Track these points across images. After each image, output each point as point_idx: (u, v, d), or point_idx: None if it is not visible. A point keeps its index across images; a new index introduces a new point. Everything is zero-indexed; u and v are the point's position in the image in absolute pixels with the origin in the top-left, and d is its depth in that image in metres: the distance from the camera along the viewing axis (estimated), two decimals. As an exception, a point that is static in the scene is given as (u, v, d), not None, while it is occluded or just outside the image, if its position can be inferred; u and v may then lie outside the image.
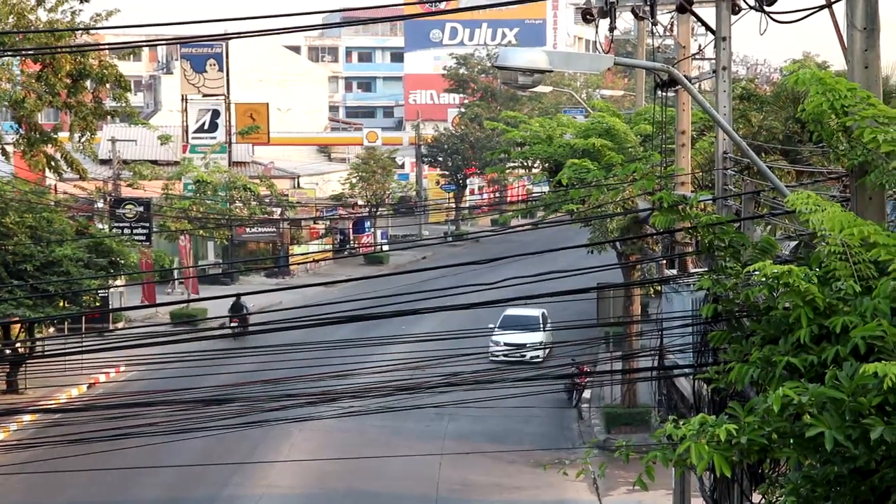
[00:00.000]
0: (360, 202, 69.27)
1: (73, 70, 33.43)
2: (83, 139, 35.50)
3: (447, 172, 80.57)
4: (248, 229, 58.86)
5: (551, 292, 13.70)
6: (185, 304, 46.11)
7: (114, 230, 45.99)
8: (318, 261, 60.74)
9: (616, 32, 22.72)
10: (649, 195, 22.21)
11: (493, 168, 48.39)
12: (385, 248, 67.83)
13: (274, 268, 59.79)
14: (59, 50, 32.38)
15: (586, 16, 17.84)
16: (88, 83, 34.62)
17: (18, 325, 36.05)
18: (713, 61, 15.61)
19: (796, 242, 13.03)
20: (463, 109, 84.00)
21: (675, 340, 15.80)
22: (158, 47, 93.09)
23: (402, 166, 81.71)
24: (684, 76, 14.29)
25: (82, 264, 35.49)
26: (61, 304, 37.47)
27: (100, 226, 46.67)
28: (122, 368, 36.02)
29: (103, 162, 52.26)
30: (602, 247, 33.23)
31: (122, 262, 38.30)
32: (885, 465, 8.15)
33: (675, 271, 19.61)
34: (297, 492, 27.82)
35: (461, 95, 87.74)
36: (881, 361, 7.84)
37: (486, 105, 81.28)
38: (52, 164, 36.07)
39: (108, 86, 34.92)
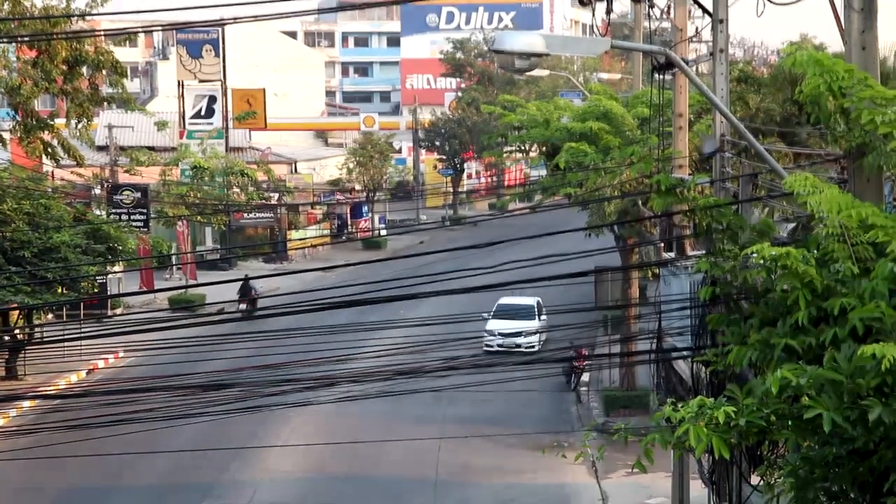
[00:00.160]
0: (357, 187, 69.24)
1: (70, 56, 33.38)
2: (80, 125, 35.47)
3: (444, 157, 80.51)
4: (245, 215, 58.79)
5: (549, 276, 13.69)
6: (183, 290, 46.11)
7: (111, 216, 45.99)
8: (315, 246, 60.73)
9: (613, 15, 22.72)
10: (647, 178, 22.23)
11: (490, 152, 48.29)
12: (383, 232, 67.82)
13: (272, 253, 59.78)
14: (55, 36, 32.33)
15: (583, -1, 17.82)
16: (85, 69, 34.59)
17: (17, 312, 36.06)
18: (710, 44, 15.61)
19: (794, 224, 13.22)
20: (460, 94, 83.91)
21: (673, 323, 15.75)
22: (154, 33, 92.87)
23: (400, 151, 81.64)
24: (681, 59, 14.29)
25: (80, 251, 35.47)
26: (60, 290, 37.46)
27: (97, 212, 46.69)
28: (121, 354, 36.02)
29: (100, 148, 52.22)
30: (600, 230, 33.22)
31: (120, 248, 38.28)
32: (884, 446, 8.18)
33: (673, 254, 19.60)
34: (296, 476, 27.88)
35: (458, 80, 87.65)
36: (879, 343, 7.86)
37: (483, 89, 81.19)
38: (49, 150, 36.03)
39: (104, 72, 34.88)
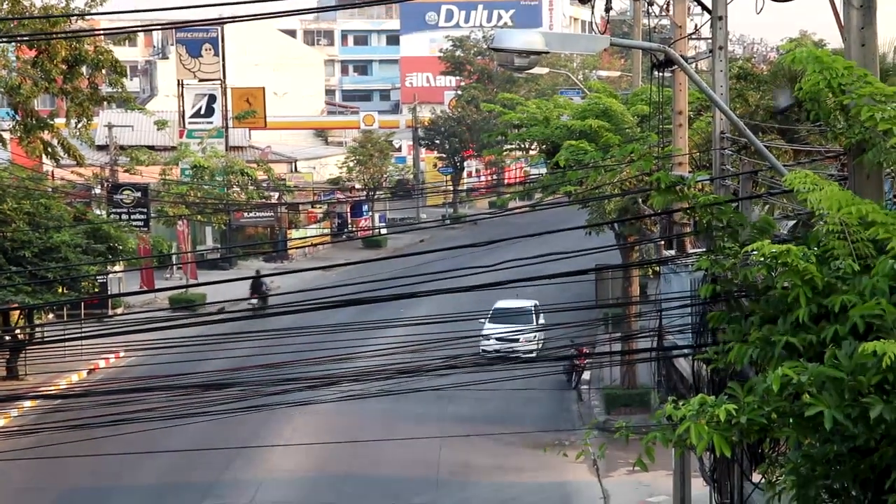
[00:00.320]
0: (357, 186, 69.23)
1: (69, 56, 33.39)
2: (80, 125, 35.49)
3: (444, 155, 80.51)
4: (245, 214, 58.79)
5: (550, 274, 13.68)
6: (183, 290, 46.11)
7: (112, 216, 45.99)
8: (316, 245, 60.75)
9: (612, 13, 22.74)
10: (647, 175, 22.21)
11: (490, 150, 48.38)
12: (383, 231, 67.81)
13: (272, 252, 59.77)
14: (54, 36, 32.31)
15: (582, -4, 17.81)
16: (84, 69, 34.61)
17: (18, 312, 36.07)
18: (710, 41, 15.58)
19: (794, 222, 13.11)
20: (459, 92, 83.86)
21: (674, 321, 15.78)
22: (154, 32, 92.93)
23: (399, 149, 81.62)
24: (681, 56, 14.28)
25: (80, 250, 35.47)
26: (60, 290, 37.47)
27: (97, 212, 46.68)
28: (122, 354, 36.05)
29: (100, 148, 52.25)
30: (600, 228, 33.21)
31: (121, 247, 38.28)
32: (885, 443, 8.15)
33: (673, 252, 19.60)
34: (298, 475, 27.87)
35: (457, 78, 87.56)
36: (880, 340, 7.84)
37: (483, 87, 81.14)
38: (49, 150, 36.06)
39: (103, 71, 34.90)
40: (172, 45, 71.88)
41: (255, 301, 45.81)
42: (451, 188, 78.95)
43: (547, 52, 11.27)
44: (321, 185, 70.07)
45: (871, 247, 8.85)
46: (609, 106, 30.34)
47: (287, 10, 21.36)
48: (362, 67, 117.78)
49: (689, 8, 20.83)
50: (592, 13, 21.57)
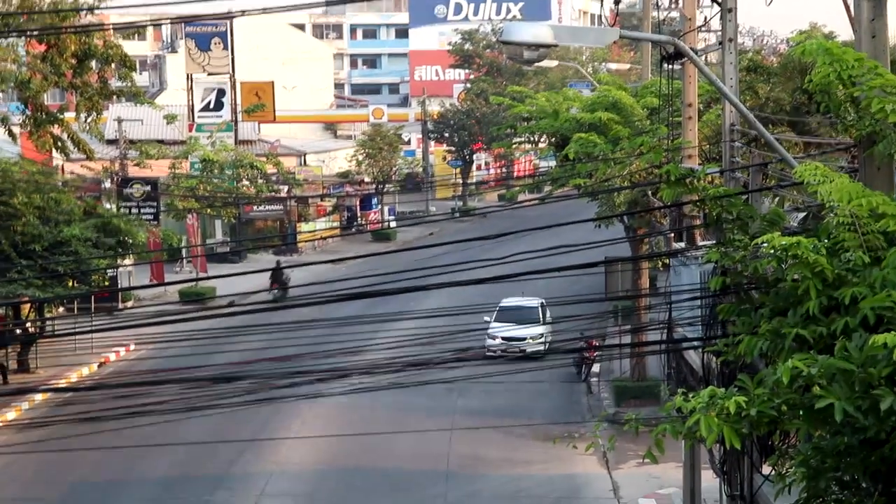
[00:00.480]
0: (366, 179, 69.23)
1: (79, 50, 33.42)
2: (89, 119, 35.53)
3: (453, 148, 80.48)
4: (255, 207, 58.83)
5: (559, 267, 13.68)
6: (193, 283, 46.18)
7: (121, 210, 46.01)
8: (325, 238, 60.76)
9: (621, 5, 22.68)
10: (657, 168, 22.19)
11: (499, 143, 48.23)
12: (392, 224, 67.81)
13: (282, 245, 59.79)
14: (63, 30, 32.35)
15: (591, -11, 17.79)
16: (94, 63, 34.65)
17: (28, 305, 36.14)
18: (719, 33, 15.54)
19: (804, 214, 13.08)
20: (468, 85, 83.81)
21: (683, 313, 15.74)
22: (163, 26, 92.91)
23: (409, 143, 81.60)
24: (690, 48, 14.24)
25: (91, 244, 35.49)
26: (70, 283, 37.50)
27: (107, 205, 46.69)
28: (132, 347, 36.19)
29: (110, 142, 52.19)
30: (610, 221, 33.15)
31: (131, 241, 38.28)
32: (895, 435, 8.15)
33: (683, 244, 19.58)
34: (307, 468, 27.90)
35: (466, 71, 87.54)
36: (890, 332, 7.81)
37: (492, 80, 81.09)
38: (59, 144, 36.11)
39: (113, 66, 34.95)
40: (181, 39, 71.94)
41: (275, 290, 46.39)
42: (460, 181, 78.92)
43: (556, 45, 11.25)
44: (330, 179, 70.08)
45: (882, 239, 8.83)
46: (618, 99, 30.28)
47: (296, 3, 21.38)
48: (371, 61, 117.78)
49: (698, 0, 20.78)
50: (602, 6, 21.57)
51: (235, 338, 21.11)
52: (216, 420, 24.96)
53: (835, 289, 8.63)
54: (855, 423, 7.99)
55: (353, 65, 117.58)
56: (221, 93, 61.63)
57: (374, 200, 69.14)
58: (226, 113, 61.20)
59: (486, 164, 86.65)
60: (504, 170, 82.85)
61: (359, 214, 68.88)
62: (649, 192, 27.68)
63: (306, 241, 60.06)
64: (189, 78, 62.36)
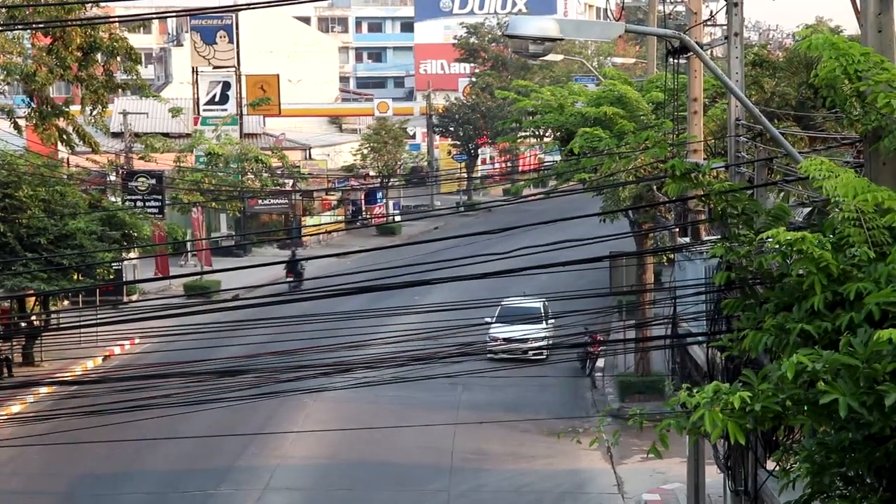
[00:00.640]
0: (371, 173, 69.22)
1: (84, 43, 33.41)
2: (95, 112, 35.52)
3: (458, 142, 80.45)
4: (260, 201, 58.86)
5: (564, 261, 13.67)
6: (198, 276, 46.22)
7: (126, 203, 46.06)
8: (330, 232, 60.79)
9: (627, 0, 22.60)
10: (662, 163, 22.17)
11: (504, 137, 48.30)
12: (397, 218, 67.81)
13: (286, 239, 59.86)
14: (69, 23, 32.34)
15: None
16: (99, 56, 34.63)
17: (33, 298, 36.18)
18: (725, 27, 15.52)
19: (810, 209, 13.03)
20: (474, 79, 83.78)
21: (688, 308, 15.77)
22: (168, 19, 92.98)
23: (414, 136, 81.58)
24: (696, 43, 14.23)
25: (96, 237, 35.53)
26: (75, 276, 37.54)
27: (112, 199, 46.76)
28: (137, 340, 36.21)
29: (115, 135, 52.12)
30: (614, 215, 33.11)
31: (136, 234, 38.34)
32: (900, 431, 8.13)
33: (688, 239, 19.56)
34: (311, 462, 27.92)
35: (472, 65, 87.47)
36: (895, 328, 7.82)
37: (497, 74, 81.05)
38: (65, 137, 36.09)
39: (118, 59, 34.92)
40: (187, 32, 72.01)
41: (290, 280, 47.17)
42: (465, 175, 78.89)
43: (561, 39, 11.24)
44: (335, 173, 70.07)
45: (887, 234, 8.82)
46: (624, 93, 30.27)
47: (301, -4, 21.37)
48: (376, 54, 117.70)
49: (704, -6, 20.73)
50: (607, 0, 21.52)
51: (240, 331, 21.15)
52: (221, 414, 24.97)
53: (840, 284, 8.62)
54: (859, 418, 7.99)
55: (359, 58, 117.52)
56: (227, 86, 61.68)
57: (379, 194, 69.15)
58: (231, 106, 61.28)
59: (491, 158, 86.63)
60: (509, 164, 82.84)
61: (364, 208, 68.93)
62: (654, 187, 27.68)
63: (311, 235, 60.06)
64: (194, 71, 62.40)
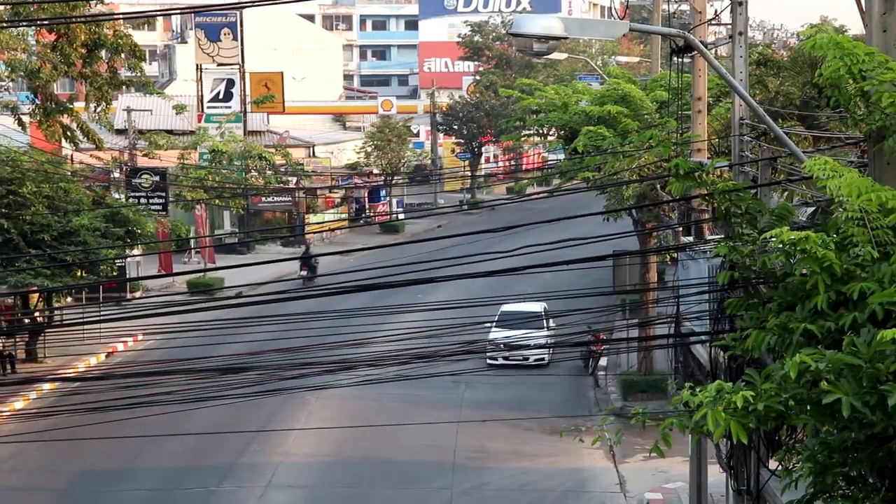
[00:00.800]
0: (375, 171, 69.20)
1: (88, 40, 33.41)
2: (99, 109, 35.52)
3: (462, 141, 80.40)
4: (263, 198, 58.84)
5: (567, 260, 13.65)
6: (201, 273, 46.22)
7: (130, 200, 46.06)
8: (333, 230, 60.79)
9: (632, -2, 22.56)
10: (665, 162, 22.16)
11: (508, 136, 48.26)
12: (401, 216, 67.81)
13: (290, 237, 59.85)
14: (73, 20, 32.34)
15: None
16: (103, 53, 34.62)
17: (37, 295, 36.18)
18: (729, 26, 15.51)
19: (813, 209, 13.01)
20: (478, 77, 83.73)
21: (691, 308, 15.71)
22: (173, 17, 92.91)
23: (418, 135, 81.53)
24: (700, 42, 14.19)
25: (99, 234, 35.52)
26: (79, 273, 37.55)
27: (116, 195, 46.73)
28: (140, 337, 36.18)
29: (119, 132, 52.15)
30: (618, 214, 33.05)
31: (139, 231, 38.32)
32: (903, 431, 8.11)
33: (691, 238, 19.55)
34: (314, 460, 27.92)
35: (476, 63, 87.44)
36: (899, 328, 7.80)
37: (501, 73, 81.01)
38: (69, 134, 36.12)
39: (122, 55, 34.93)
40: (191, 29, 71.95)
41: (304, 273, 47.72)
42: (468, 174, 78.86)
43: (566, 38, 11.22)
44: (339, 170, 70.07)
45: (891, 234, 8.79)
46: (628, 92, 30.20)
47: (306, -6, 21.34)
48: (381, 52, 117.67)
49: (708, -7, 20.69)
50: (612, -2, 21.50)
51: (243, 329, 21.14)
52: (223, 411, 24.92)
53: (843, 284, 8.58)
54: (862, 418, 7.96)
55: (363, 56, 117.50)
56: (231, 83, 61.61)
57: (383, 192, 69.13)
58: (235, 103, 61.20)
59: (495, 156, 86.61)
60: (513, 162, 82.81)
61: (367, 206, 68.90)
62: (658, 186, 27.64)
63: (314, 233, 60.04)
64: (198, 68, 62.33)
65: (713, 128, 23.39)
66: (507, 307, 34.70)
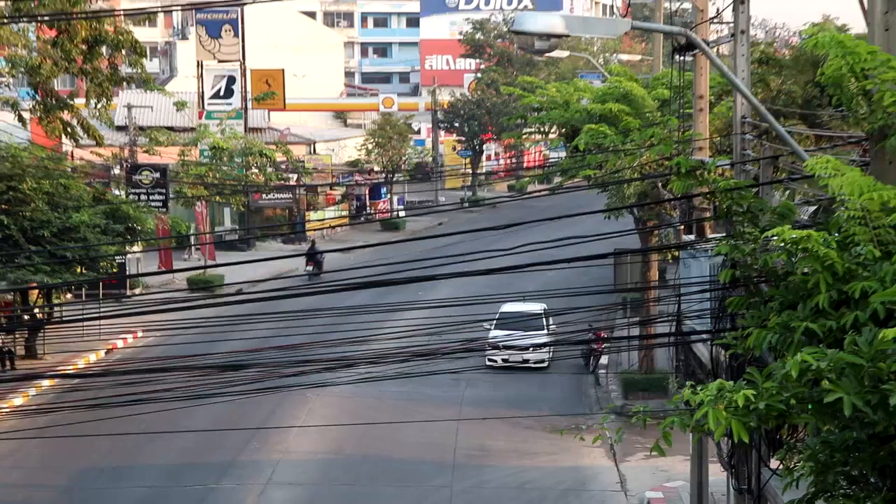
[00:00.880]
0: (376, 168, 69.16)
1: (89, 36, 33.33)
2: (99, 105, 35.44)
3: (463, 138, 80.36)
4: (264, 195, 58.78)
5: (568, 258, 13.62)
6: (202, 270, 46.18)
7: (130, 196, 46.03)
8: (334, 227, 60.76)
9: (633, -4, 22.51)
10: (667, 160, 22.14)
11: (509, 134, 48.14)
12: (401, 214, 67.76)
13: (290, 234, 59.80)
14: (74, 16, 32.30)
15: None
16: (104, 49, 34.54)
17: (36, 291, 36.15)
18: (731, 25, 15.48)
19: (815, 207, 13.14)
20: (479, 75, 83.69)
21: (692, 306, 15.75)
22: (174, 13, 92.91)
23: (419, 132, 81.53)
24: (702, 40, 14.17)
25: (99, 230, 35.47)
26: (79, 270, 37.52)
27: (116, 192, 46.71)
28: (140, 334, 36.18)
29: (119, 128, 52.12)
30: (619, 212, 32.99)
31: (139, 228, 38.30)
32: (904, 430, 8.08)
33: (692, 237, 19.53)
34: (314, 457, 27.88)
35: (477, 61, 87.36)
36: (901, 327, 7.77)
37: (503, 70, 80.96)
38: (69, 130, 36.04)
39: (123, 52, 34.83)
40: (192, 26, 71.85)
41: (310, 268, 48.26)
42: (469, 171, 78.82)
43: (567, 36, 11.20)
44: (340, 168, 70.02)
45: (893, 233, 8.76)
46: (629, 90, 30.14)
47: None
48: (382, 50, 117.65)
49: (710, -9, 20.65)
50: (613, -4, 21.46)
51: (243, 326, 21.12)
52: (223, 408, 24.98)
53: (845, 283, 8.55)
54: (864, 417, 7.94)
55: (364, 53, 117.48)
56: (231, 80, 61.51)
57: (384, 190, 69.08)
58: (236, 100, 61.10)
59: (496, 154, 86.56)
60: (514, 160, 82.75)
61: (368, 203, 68.86)
62: (659, 184, 27.59)
63: (315, 230, 60.01)
64: (199, 65, 62.24)
65: (715, 126, 23.36)
66: (506, 307, 34.51)
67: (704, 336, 15.05)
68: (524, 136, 42.15)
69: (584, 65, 68.15)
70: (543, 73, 72.97)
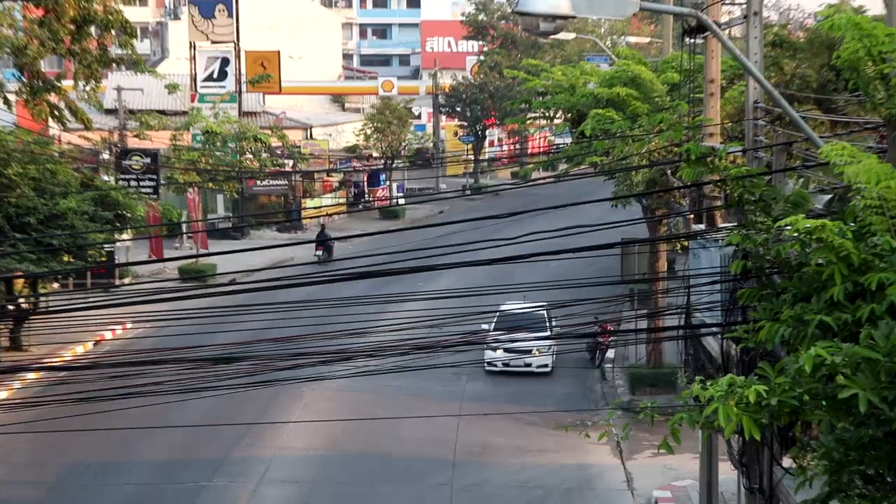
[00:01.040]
0: (374, 154, 68.88)
1: (77, 16, 32.92)
2: (88, 87, 35.10)
3: (465, 123, 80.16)
4: (258, 182, 58.55)
5: (574, 248, 13.48)
6: (193, 259, 45.87)
7: (120, 182, 45.73)
8: (331, 215, 60.37)
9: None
10: (677, 146, 21.79)
11: (513, 119, 47.87)
12: (401, 201, 67.57)
13: (286, 222, 59.63)
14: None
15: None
16: (93, 29, 34.15)
17: (22, 280, 35.82)
18: (744, 6, 15.52)
19: (830, 196, 12.99)
20: (482, 57, 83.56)
21: (702, 298, 15.68)
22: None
23: (419, 117, 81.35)
24: (714, 22, 14.11)
25: (87, 217, 35.25)
26: (66, 258, 37.25)
27: (105, 178, 46.38)
28: (129, 325, 35.86)
29: (109, 111, 51.72)
30: (627, 201, 32.72)
31: (129, 215, 38.11)
32: (922, 428, 8.02)
33: (703, 226, 19.41)
34: (309, 453, 27.64)
35: (480, 43, 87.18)
36: (919, 320, 7.75)
37: (507, 53, 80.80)
38: (56, 113, 35.68)
39: (113, 32, 34.40)
40: (184, 5, 71.58)
41: (319, 253, 48.79)
42: (471, 157, 78.65)
43: (574, 17, 11.54)
44: (337, 153, 69.75)
45: (911, 222, 8.68)
46: (638, 73, 29.84)
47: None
48: (381, 31, 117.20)
49: (722, -28, 20.35)
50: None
51: (236, 317, 20.73)
52: (215, 402, 24.67)
53: (861, 274, 8.61)
54: (880, 414, 7.86)
55: (363, 35, 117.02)
56: (225, 62, 61.03)
57: (383, 176, 68.87)
58: (230, 83, 60.67)
59: (499, 140, 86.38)
60: (517, 146, 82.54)
61: (366, 191, 68.66)
62: (668, 172, 27.32)
63: (311, 218, 59.67)
64: (192, 46, 61.72)
65: (726, 111, 23.23)
66: (506, 307, 32.59)
67: (715, 329, 15.05)
68: (528, 122, 41.76)
69: (591, 47, 67.84)
70: (549, 55, 72.79)
